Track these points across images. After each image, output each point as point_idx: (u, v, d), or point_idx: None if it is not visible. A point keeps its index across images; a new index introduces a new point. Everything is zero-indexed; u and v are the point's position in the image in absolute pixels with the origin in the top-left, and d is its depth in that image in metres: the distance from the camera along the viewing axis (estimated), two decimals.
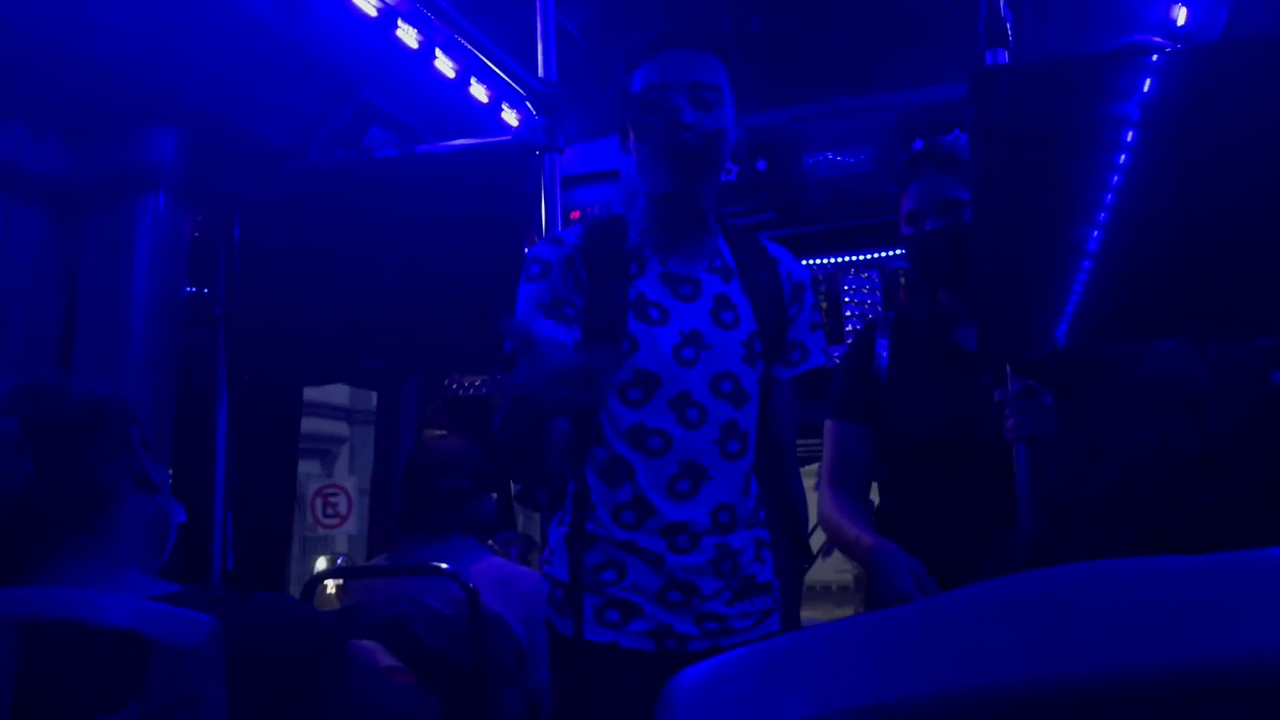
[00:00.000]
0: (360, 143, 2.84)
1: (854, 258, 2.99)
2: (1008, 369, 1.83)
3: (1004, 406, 1.81)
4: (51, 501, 1.18)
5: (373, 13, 2.59)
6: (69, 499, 1.19)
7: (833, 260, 3.01)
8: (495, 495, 2.53)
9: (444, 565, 2.07)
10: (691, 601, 1.61)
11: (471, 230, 2.58)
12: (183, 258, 2.55)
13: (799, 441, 1.89)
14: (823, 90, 3.14)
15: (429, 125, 3.00)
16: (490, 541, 2.62)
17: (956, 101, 2.83)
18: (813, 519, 2.00)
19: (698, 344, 1.65)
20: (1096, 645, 0.31)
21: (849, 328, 2.93)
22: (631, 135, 1.70)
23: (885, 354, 2.03)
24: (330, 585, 2.66)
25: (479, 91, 3.00)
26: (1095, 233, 1.69)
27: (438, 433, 3.21)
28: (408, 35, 2.69)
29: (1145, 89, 1.72)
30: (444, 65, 2.84)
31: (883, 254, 2.94)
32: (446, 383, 3.41)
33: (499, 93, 3.04)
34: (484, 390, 3.33)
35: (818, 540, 2.17)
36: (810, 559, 2.04)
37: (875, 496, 2.12)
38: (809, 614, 2.63)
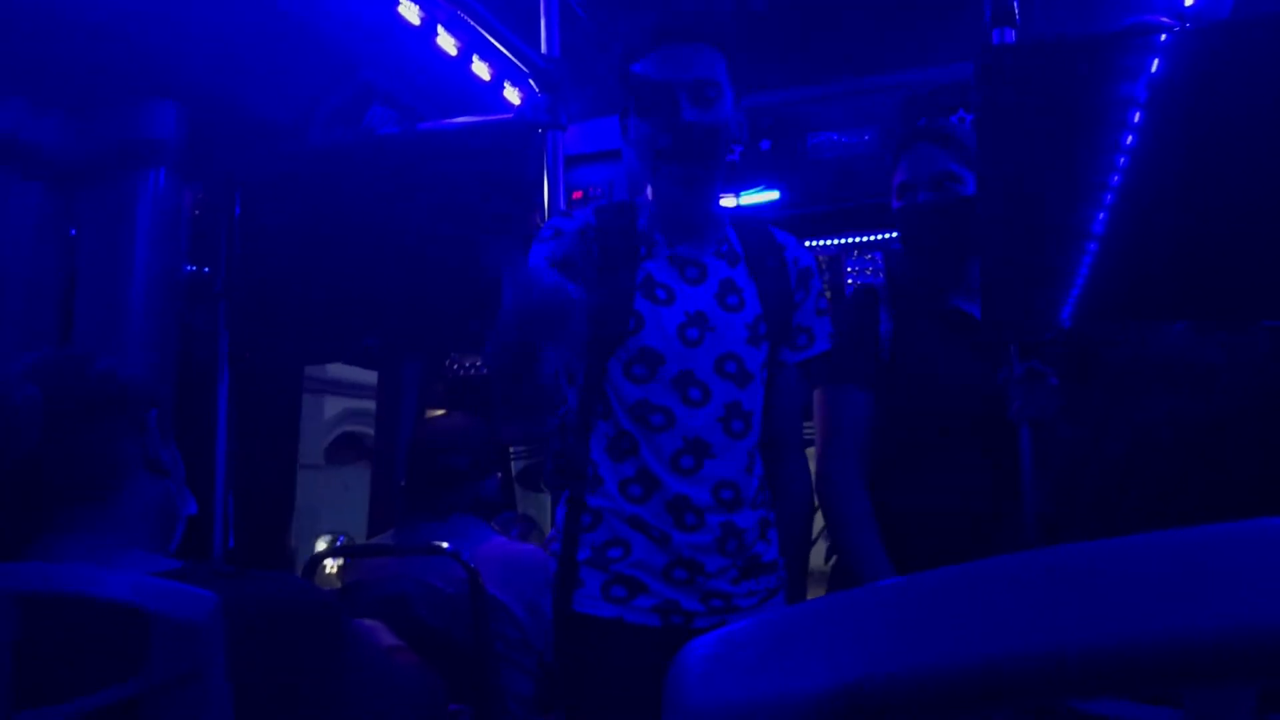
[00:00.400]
0: (362, 120, 2.83)
1: (859, 239, 2.98)
2: (1012, 349, 1.82)
3: (1008, 388, 1.81)
4: (61, 472, 1.19)
5: None
6: (79, 471, 1.20)
7: (837, 241, 3.00)
8: (499, 475, 2.53)
9: (445, 544, 2.08)
10: (696, 579, 1.62)
11: (473, 209, 2.57)
12: (183, 234, 2.53)
13: (805, 424, 1.89)
14: (827, 71, 3.11)
15: (431, 103, 2.98)
16: (491, 523, 2.61)
17: (963, 82, 2.83)
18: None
19: (703, 325, 1.67)
20: (1127, 615, 0.30)
21: None
22: (631, 130, 1.71)
23: (888, 321, 2.01)
24: (331, 564, 2.67)
25: (481, 69, 2.98)
26: (1101, 214, 1.68)
27: (440, 412, 3.21)
28: (409, 12, 2.67)
29: (1153, 69, 1.70)
30: (446, 42, 2.82)
31: (887, 235, 2.93)
32: (447, 363, 3.40)
33: (501, 70, 3.03)
34: (485, 371, 3.32)
35: (819, 523, 2.17)
36: (811, 541, 2.03)
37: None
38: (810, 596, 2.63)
